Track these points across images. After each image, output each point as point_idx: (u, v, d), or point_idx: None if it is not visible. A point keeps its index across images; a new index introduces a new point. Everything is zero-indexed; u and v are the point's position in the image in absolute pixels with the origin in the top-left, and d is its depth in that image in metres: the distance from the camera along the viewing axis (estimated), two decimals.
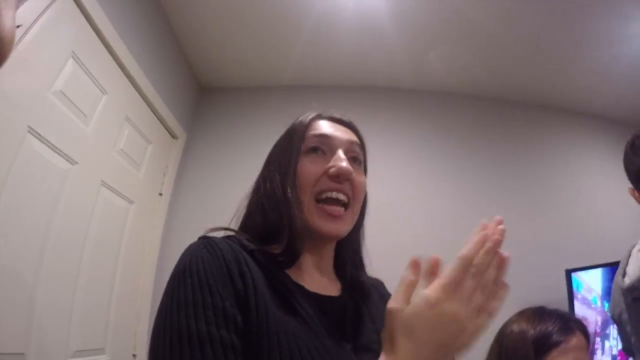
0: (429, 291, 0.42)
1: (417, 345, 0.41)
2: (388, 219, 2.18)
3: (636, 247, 1.02)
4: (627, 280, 0.99)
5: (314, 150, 0.65)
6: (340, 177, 0.61)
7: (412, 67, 2.38)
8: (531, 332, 0.87)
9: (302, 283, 0.59)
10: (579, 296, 1.99)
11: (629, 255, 1.04)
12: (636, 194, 1.06)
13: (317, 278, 0.63)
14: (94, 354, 1.48)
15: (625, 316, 1.02)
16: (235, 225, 0.67)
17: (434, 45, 2.17)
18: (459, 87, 2.57)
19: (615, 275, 1.09)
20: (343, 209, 0.62)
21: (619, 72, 2.34)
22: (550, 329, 0.86)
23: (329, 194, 0.61)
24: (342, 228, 0.62)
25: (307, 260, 0.63)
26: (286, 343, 0.47)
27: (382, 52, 2.24)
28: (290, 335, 0.48)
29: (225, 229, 0.64)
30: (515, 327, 0.91)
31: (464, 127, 2.58)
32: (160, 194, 2.09)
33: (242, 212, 0.67)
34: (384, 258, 2.19)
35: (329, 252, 0.68)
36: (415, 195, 2.36)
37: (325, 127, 0.67)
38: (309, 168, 0.63)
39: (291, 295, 0.53)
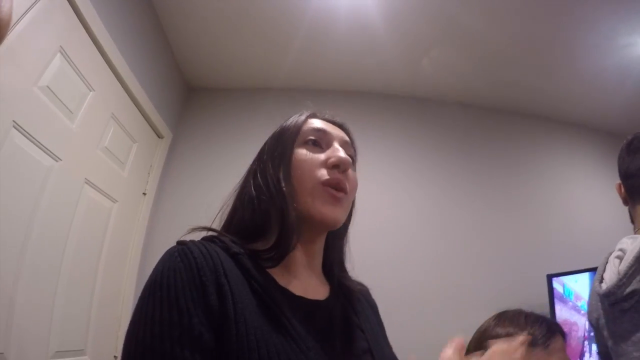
0: None
1: None
2: (374, 222, 2.21)
3: (613, 253, 1.06)
4: (604, 286, 1.02)
5: (311, 142, 0.65)
6: (340, 166, 0.62)
7: (404, 72, 2.42)
8: (519, 334, 0.87)
9: (288, 286, 0.57)
10: (570, 304, 2.05)
11: (606, 262, 1.07)
12: (622, 190, 1.10)
13: (305, 279, 0.62)
14: (75, 355, 1.44)
15: (602, 321, 1.05)
16: (219, 224, 0.65)
17: (425, 51, 2.22)
18: (447, 93, 2.63)
19: (593, 281, 1.13)
20: (344, 193, 0.62)
21: (605, 83, 2.44)
22: (537, 332, 0.88)
23: (332, 181, 0.61)
24: (340, 215, 0.62)
25: (297, 259, 0.61)
26: (268, 356, 0.45)
27: (375, 56, 2.27)
28: (272, 351, 0.46)
29: (208, 229, 0.61)
30: (501, 331, 0.91)
31: (451, 133, 2.64)
32: (144, 194, 2.07)
33: (227, 210, 0.65)
34: (371, 261, 2.24)
35: (319, 250, 0.67)
36: (402, 199, 2.40)
37: (320, 123, 0.68)
38: (307, 157, 0.63)
39: (275, 305, 0.51)
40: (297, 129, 0.65)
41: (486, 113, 2.75)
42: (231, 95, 2.55)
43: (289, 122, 0.68)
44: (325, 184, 0.60)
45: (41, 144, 1.28)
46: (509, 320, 0.92)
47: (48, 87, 1.29)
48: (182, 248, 0.50)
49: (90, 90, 1.54)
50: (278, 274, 0.57)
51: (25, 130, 1.20)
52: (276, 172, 0.61)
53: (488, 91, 2.60)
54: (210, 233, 0.60)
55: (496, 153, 2.66)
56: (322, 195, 0.60)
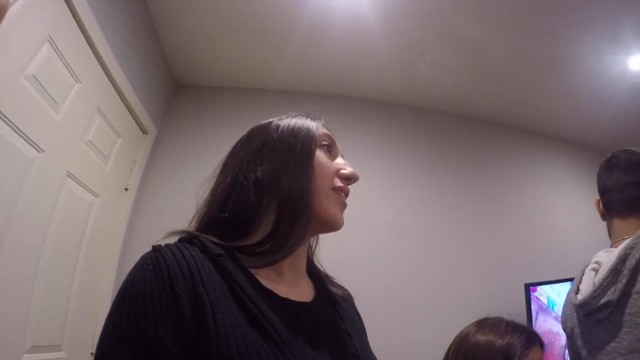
0: None
1: None
2: (357, 225, 2.24)
3: (589, 266, 1.10)
4: (580, 297, 1.06)
5: (326, 147, 0.67)
6: (351, 180, 0.65)
7: (398, 78, 2.47)
8: (499, 342, 0.88)
9: (273, 287, 0.56)
10: (553, 315, 2.12)
11: (582, 274, 1.11)
12: (600, 206, 1.15)
13: (292, 280, 0.61)
14: (51, 350, 1.41)
15: (577, 330, 1.08)
16: (196, 222, 0.62)
17: (420, 57, 2.27)
18: (434, 101, 2.69)
19: (569, 292, 1.17)
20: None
21: (590, 100, 2.55)
22: (516, 341, 0.89)
23: (344, 189, 0.65)
24: (343, 221, 0.65)
25: (285, 260, 0.60)
26: None
27: (371, 61, 2.30)
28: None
29: (187, 232, 0.58)
30: (481, 337, 0.92)
31: (436, 141, 2.70)
32: (127, 189, 2.04)
33: (206, 206, 0.62)
34: (353, 263, 2.25)
35: (305, 251, 0.67)
36: (384, 203, 2.44)
37: (328, 131, 0.69)
38: (326, 161, 0.64)
39: (259, 311, 0.49)
40: (316, 131, 0.66)
41: (472, 123, 2.82)
42: (220, 94, 2.54)
43: (301, 122, 0.66)
44: (338, 190, 0.63)
45: (25, 134, 1.25)
46: (490, 328, 0.93)
47: (34, 76, 1.26)
48: (155, 256, 0.48)
49: (77, 82, 1.52)
50: (262, 275, 0.56)
51: (9, 119, 1.17)
52: (298, 168, 0.60)
53: (474, 101, 2.67)
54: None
55: (481, 163, 2.74)
56: (336, 200, 0.63)
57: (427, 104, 2.71)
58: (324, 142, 0.66)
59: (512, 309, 1.79)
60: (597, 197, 1.17)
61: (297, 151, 0.61)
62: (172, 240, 0.55)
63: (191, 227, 0.60)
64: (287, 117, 0.68)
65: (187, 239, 0.55)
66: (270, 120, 0.68)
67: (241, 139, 0.68)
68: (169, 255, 0.48)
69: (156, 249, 0.50)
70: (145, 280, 0.46)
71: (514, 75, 2.38)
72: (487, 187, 2.68)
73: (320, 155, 0.63)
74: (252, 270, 0.55)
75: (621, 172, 1.09)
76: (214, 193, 0.62)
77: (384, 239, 2.35)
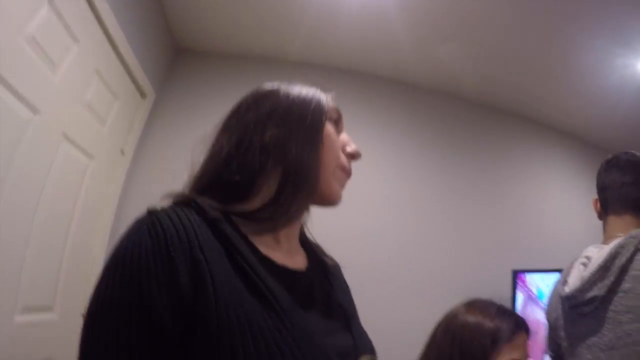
0: None
1: None
2: (349, 199, 2.25)
3: (579, 259, 1.12)
4: (567, 289, 1.09)
5: (334, 122, 0.65)
6: (355, 157, 0.65)
7: (394, 57, 2.42)
8: (488, 324, 0.89)
9: (270, 254, 0.55)
10: (541, 304, 2.21)
11: (572, 267, 1.14)
12: (597, 205, 1.18)
13: (288, 248, 0.61)
14: (43, 310, 1.44)
15: (560, 322, 1.12)
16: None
17: (435, 41, 2.23)
18: (439, 82, 2.66)
19: (556, 283, 1.21)
20: None
21: (595, 99, 2.58)
22: (504, 325, 0.89)
23: (348, 168, 0.65)
24: None
25: (284, 228, 0.60)
26: (251, 340, 0.43)
27: (379, 35, 2.25)
28: (255, 329, 0.44)
29: (183, 195, 0.55)
30: (471, 319, 0.92)
31: (436, 122, 2.70)
32: (123, 153, 2.02)
33: (204, 168, 0.59)
34: (344, 237, 2.28)
35: (301, 220, 0.67)
36: (378, 178, 2.46)
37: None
38: (334, 137, 0.63)
39: (258, 277, 0.48)
40: (327, 104, 0.64)
41: (475, 107, 2.81)
42: (223, 61, 2.48)
43: (312, 92, 0.64)
44: (342, 168, 0.63)
45: (21, 95, 1.23)
46: (480, 310, 0.93)
47: (33, 36, 1.23)
48: (151, 219, 0.46)
49: (76, 43, 1.47)
50: (260, 241, 0.55)
51: (5, 80, 1.15)
52: (308, 139, 0.59)
53: (481, 86, 2.65)
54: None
55: (481, 147, 2.76)
56: (340, 177, 0.63)
57: (435, 85, 2.69)
58: (333, 116, 0.64)
59: (499, 294, 1.86)
60: (596, 196, 1.19)
61: (308, 122, 0.60)
62: (168, 203, 0.53)
63: (187, 189, 0.58)
64: (296, 86, 0.65)
65: (183, 201, 0.53)
66: (276, 86, 0.65)
67: (246, 100, 0.65)
68: (165, 219, 0.46)
69: (151, 211, 0.48)
70: (140, 245, 0.44)
71: (526, 67, 2.37)
72: (486, 171, 2.71)
73: (329, 128, 0.62)
74: (250, 237, 0.54)
75: (619, 172, 1.12)
76: (215, 153, 0.59)
77: (378, 214, 2.38)
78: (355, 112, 2.46)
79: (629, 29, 1.94)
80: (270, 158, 0.57)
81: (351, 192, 2.17)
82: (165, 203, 0.53)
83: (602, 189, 1.16)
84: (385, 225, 2.36)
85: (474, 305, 0.95)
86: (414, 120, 2.64)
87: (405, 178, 2.50)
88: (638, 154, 1.13)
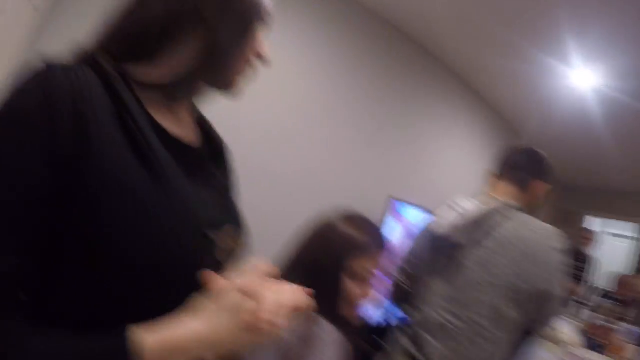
0: (242, 282, 0.47)
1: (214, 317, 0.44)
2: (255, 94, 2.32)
3: (454, 207, 1.30)
4: (438, 230, 1.27)
5: (263, 23, 0.61)
6: (264, 63, 0.62)
7: None
8: (360, 238, 0.95)
9: (164, 123, 0.54)
10: (402, 227, 2.55)
11: (446, 212, 1.32)
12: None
13: (182, 121, 0.60)
14: None
15: (423, 256, 1.32)
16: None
17: None
18: (384, 10, 2.73)
19: (428, 222, 1.39)
20: None
21: (528, 82, 2.88)
22: (372, 242, 0.96)
23: (254, 69, 0.63)
24: None
25: (182, 100, 0.60)
26: (131, 205, 0.44)
27: None
28: (137, 189, 0.45)
29: (83, 51, 0.52)
30: (346, 230, 0.96)
31: (369, 43, 2.80)
32: (36, 9, 1.80)
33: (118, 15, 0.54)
34: (247, 132, 2.30)
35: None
36: (296, 82, 2.55)
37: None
38: (258, 36, 0.60)
39: (146, 140, 0.48)
40: (266, 5, 0.60)
41: (409, 42, 2.95)
42: None
43: None
44: (249, 67, 0.61)
45: None
46: (356, 224, 0.98)
47: None
48: (43, 72, 0.45)
49: None
50: (155, 109, 0.53)
51: None
52: (238, 30, 0.57)
53: (418, 23, 2.75)
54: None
55: (400, 79, 2.97)
56: (245, 75, 0.61)
57: (379, 11, 2.74)
58: (264, 18, 0.61)
59: (373, 214, 2.12)
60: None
61: (244, 15, 0.57)
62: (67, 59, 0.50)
63: (91, 46, 0.53)
64: None
65: (82, 57, 0.51)
66: None
67: None
68: (58, 72, 0.45)
69: (47, 63, 0.46)
70: (24, 92, 0.43)
71: (471, 28, 2.50)
72: (400, 101, 2.96)
73: (259, 26, 0.60)
74: (145, 102, 0.52)
75: (520, 155, 1.34)
76: (136, 2, 0.54)
77: (285, 112, 2.50)
78: (295, 14, 2.45)
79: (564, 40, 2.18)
80: (197, 30, 0.53)
81: (271, 87, 2.22)
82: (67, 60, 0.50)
83: (503, 163, 1.35)
84: (294, 126, 2.52)
85: (352, 218, 1.00)
86: (348, 36, 2.71)
87: (325, 87, 2.64)
88: (543, 152, 1.33)
